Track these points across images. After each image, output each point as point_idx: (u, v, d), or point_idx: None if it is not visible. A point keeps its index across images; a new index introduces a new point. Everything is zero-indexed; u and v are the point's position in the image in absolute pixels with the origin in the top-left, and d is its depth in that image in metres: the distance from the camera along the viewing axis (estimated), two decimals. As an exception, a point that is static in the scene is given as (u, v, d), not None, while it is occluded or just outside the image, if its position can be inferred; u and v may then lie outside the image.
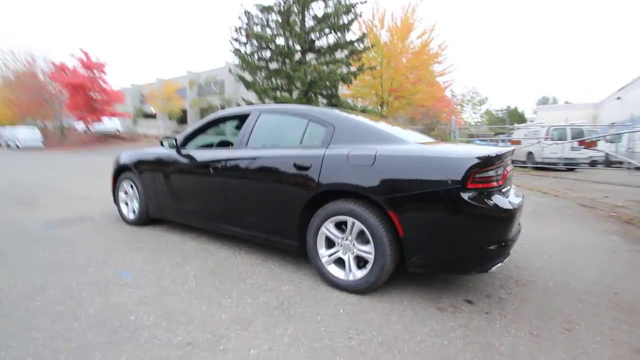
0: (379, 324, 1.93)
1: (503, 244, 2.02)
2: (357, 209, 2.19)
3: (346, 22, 16.89)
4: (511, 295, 2.32)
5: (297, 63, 17.09)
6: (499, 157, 2.01)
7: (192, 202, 3.22)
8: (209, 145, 3.57)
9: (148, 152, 3.73)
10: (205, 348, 1.69)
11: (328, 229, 2.35)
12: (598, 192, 6.72)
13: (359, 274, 2.24)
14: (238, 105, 17.80)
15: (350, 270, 2.28)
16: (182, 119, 36.51)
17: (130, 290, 2.29)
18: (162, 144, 3.42)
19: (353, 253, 2.29)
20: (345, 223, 2.30)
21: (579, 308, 2.16)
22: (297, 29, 16.42)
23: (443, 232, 1.98)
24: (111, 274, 2.57)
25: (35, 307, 2.05)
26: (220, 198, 2.94)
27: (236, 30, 17.27)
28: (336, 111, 2.68)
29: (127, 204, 3.99)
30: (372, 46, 16.65)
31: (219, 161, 2.93)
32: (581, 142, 8.49)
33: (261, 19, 18.08)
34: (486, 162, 1.94)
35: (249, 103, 17.65)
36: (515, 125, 17.89)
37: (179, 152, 3.36)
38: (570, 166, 11.46)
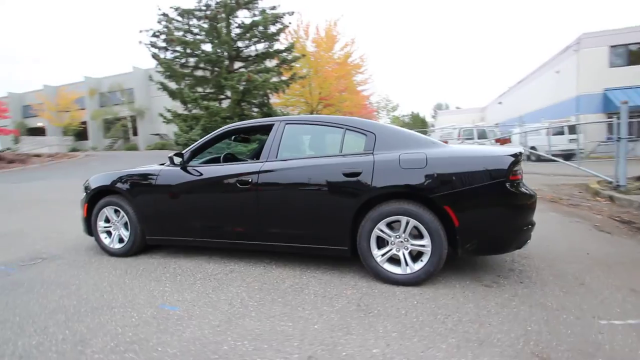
0: (455, 306, 2.19)
1: (530, 225, 2.48)
2: (411, 207, 2.42)
3: (274, 31, 17.03)
4: (525, 266, 2.82)
5: (226, 71, 16.55)
6: (521, 154, 2.48)
7: (213, 221, 3.02)
8: (216, 160, 3.39)
9: (143, 171, 3.34)
10: (329, 357, 1.71)
11: (381, 229, 2.53)
12: (514, 179, 8.22)
13: (416, 266, 2.47)
14: (162, 116, 16.35)
15: (407, 264, 2.49)
16: (81, 134, 31.71)
17: (195, 322, 2.10)
18: (172, 161, 3.12)
19: (407, 249, 2.50)
20: (394, 222, 2.51)
21: (575, 267, 2.76)
22: (224, 36, 15.90)
23: (492, 218, 2.36)
24: (151, 310, 2.29)
25: (97, 360, 1.75)
26: (252, 213, 2.84)
27: (154, 35, 15.93)
28: (369, 120, 2.87)
29: (109, 233, 3.48)
30: (302, 56, 17.08)
31: (248, 174, 2.84)
32: (497, 140, 10.29)
33: (181, 23, 17.09)
34: (517, 158, 2.38)
35: (175, 113, 16.45)
36: (431, 127, 20.38)
37: (184, 168, 3.13)
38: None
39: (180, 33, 16.46)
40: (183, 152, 3.15)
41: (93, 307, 2.35)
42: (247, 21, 16.87)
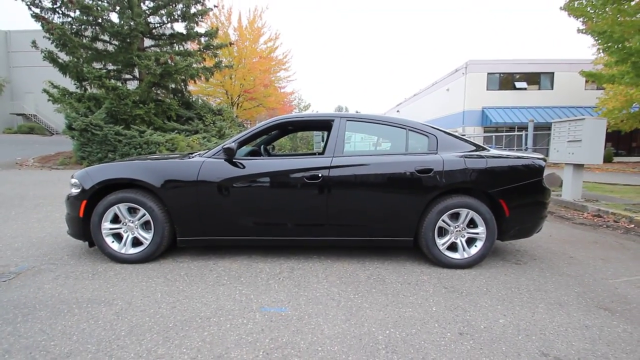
0: (514, 281, 2.68)
1: (547, 214, 3.18)
2: (472, 201, 2.84)
3: (195, 12, 15.57)
4: (523, 247, 3.58)
5: (137, 48, 14.42)
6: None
7: (273, 218, 2.84)
8: (255, 153, 3.17)
9: (179, 162, 2.87)
10: (474, 331, 1.95)
11: (444, 221, 2.87)
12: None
13: (472, 251, 2.90)
14: (47, 92, 13.19)
15: (464, 250, 2.90)
16: None
17: (320, 319, 2.05)
18: (227, 153, 2.76)
19: (464, 237, 2.91)
20: (455, 214, 2.89)
21: (555, 246, 3.65)
22: (137, 7, 13.81)
23: (531, 209, 2.95)
24: (258, 314, 2.11)
25: (267, 370, 1.59)
26: (320, 209, 2.81)
27: (39, -9, 12.72)
28: (426, 123, 3.13)
29: (118, 236, 2.89)
30: (230, 44, 16.14)
31: (317, 169, 2.79)
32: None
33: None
34: (546, 161, 3.04)
35: (65, 91, 13.58)
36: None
37: (232, 161, 2.85)
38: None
39: (76, -6, 13.50)
40: (231, 142, 2.86)
41: (181, 321, 2.01)
42: (162, -5, 15.03)
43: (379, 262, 3.02)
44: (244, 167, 2.85)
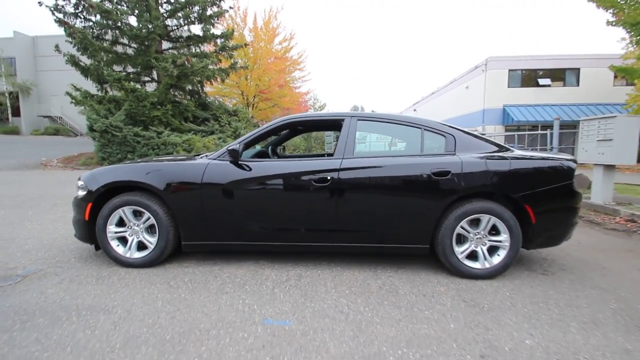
0: (542, 294, 2.45)
1: (577, 221, 2.91)
2: (494, 206, 2.61)
3: (211, 14, 15.70)
4: (551, 255, 3.31)
5: (155, 51, 14.66)
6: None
7: (281, 223, 2.72)
8: (263, 154, 3.05)
9: (183, 164, 2.79)
10: (497, 353, 1.76)
11: (463, 227, 2.66)
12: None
13: (494, 261, 2.67)
14: (69, 94, 13.58)
15: (485, 259, 2.68)
16: None
17: (326, 335, 1.90)
18: (232, 154, 2.67)
19: (485, 245, 2.69)
20: (475, 220, 2.67)
21: (586, 254, 3.35)
22: (155, 10, 14.04)
23: (560, 215, 2.70)
24: (260, 327, 1.98)
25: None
26: (330, 213, 2.66)
27: (62, -4, 13.11)
28: (443, 122, 2.93)
29: (123, 239, 2.83)
30: (245, 45, 16.21)
31: (325, 172, 2.64)
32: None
33: (97, -13, 14.44)
34: (576, 163, 2.78)
35: (87, 93, 13.93)
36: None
37: (238, 163, 2.74)
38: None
39: (97, -1, 13.87)
40: (236, 143, 2.75)
41: (179, 333, 1.91)
42: (181, -2, 15.23)
43: (392, 271, 2.84)
44: (249, 169, 2.73)
